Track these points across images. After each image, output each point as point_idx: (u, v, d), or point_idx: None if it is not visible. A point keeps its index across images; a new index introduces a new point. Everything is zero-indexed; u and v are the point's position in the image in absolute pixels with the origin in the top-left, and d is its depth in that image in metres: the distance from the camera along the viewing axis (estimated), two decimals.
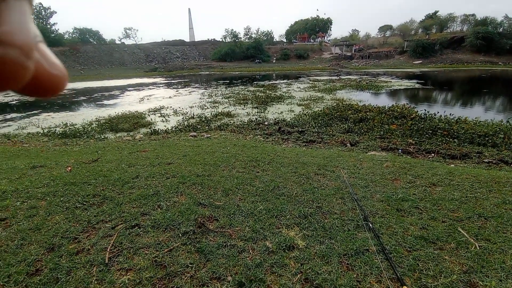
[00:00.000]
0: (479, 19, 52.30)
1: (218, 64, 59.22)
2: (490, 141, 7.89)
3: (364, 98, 16.25)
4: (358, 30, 78.58)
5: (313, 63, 57.68)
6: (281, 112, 12.36)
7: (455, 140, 8.12)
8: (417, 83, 24.78)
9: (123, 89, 25.70)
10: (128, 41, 79.47)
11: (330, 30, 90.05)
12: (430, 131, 8.76)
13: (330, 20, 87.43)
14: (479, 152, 6.98)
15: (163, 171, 3.55)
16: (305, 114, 11.66)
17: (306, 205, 2.61)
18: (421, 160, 5.30)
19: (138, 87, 27.01)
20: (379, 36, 71.49)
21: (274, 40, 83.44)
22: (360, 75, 33.70)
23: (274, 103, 14.63)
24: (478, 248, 1.91)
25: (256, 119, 11.07)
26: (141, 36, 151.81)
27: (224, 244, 1.95)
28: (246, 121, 10.65)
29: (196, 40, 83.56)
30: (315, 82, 24.80)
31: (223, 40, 74.91)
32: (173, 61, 64.50)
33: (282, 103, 14.49)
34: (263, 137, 8.69)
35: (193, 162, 4.04)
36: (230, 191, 2.91)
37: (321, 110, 12.07)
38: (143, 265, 1.77)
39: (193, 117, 11.77)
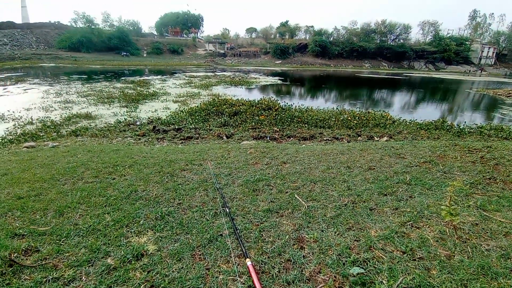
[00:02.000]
0: (316, 30, 67.09)
1: (69, 54, 47.68)
2: (327, 124, 10.25)
3: (238, 93, 17.53)
4: (228, 29, 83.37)
5: (188, 59, 56.84)
6: (156, 110, 11.46)
7: (306, 125, 10.08)
8: (279, 79, 29.18)
9: None
10: None
11: (202, 26, 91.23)
12: (289, 119, 10.47)
13: (202, 16, 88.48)
14: (321, 133, 8.97)
15: None
16: (182, 111, 11.31)
17: (166, 204, 2.44)
18: (281, 144, 6.16)
19: None
20: (247, 37, 78.97)
21: (143, 32, 75.96)
22: (234, 71, 36.20)
23: (147, 100, 13.37)
24: (306, 207, 2.36)
25: (125, 119, 9.73)
26: None
27: (45, 279, 1.49)
28: (112, 123, 9.17)
29: (31, 22, 63.56)
30: (192, 78, 24.55)
31: (73, 24, 60.86)
32: None
33: (157, 101, 13.46)
34: (135, 139, 7.77)
35: (15, 182, 2.99)
36: (68, 209, 2.32)
37: (197, 106, 12.04)
38: None
39: (31, 122, 8.98)
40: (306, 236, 1.95)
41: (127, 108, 11.64)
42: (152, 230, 2.01)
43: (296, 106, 12.41)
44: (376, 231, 2.01)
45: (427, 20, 66.44)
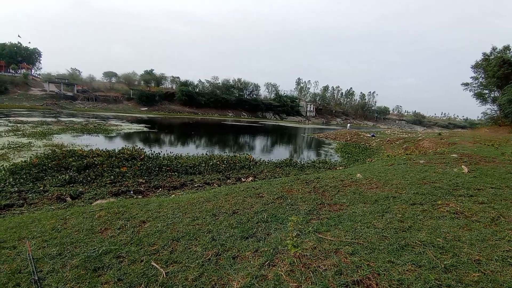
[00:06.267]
0: (182, 80, 70.34)
1: None
2: (197, 170, 10.24)
3: (93, 142, 14.84)
4: (79, 70, 71.69)
5: (16, 100, 43.80)
6: None
7: (176, 173, 9.63)
8: (145, 126, 27.46)
9: None
10: None
11: (40, 63, 74.88)
12: (157, 169, 9.70)
13: (39, 51, 72.81)
14: (191, 180, 8.76)
15: None
16: None
17: None
18: (144, 199, 5.43)
19: None
20: (105, 81, 70.99)
21: None
22: (87, 117, 30.99)
23: None
24: (165, 275, 2.03)
25: None
26: None
27: None
28: None
29: None
30: (19, 125, 18.75)
31: None
32: None
33: None
34: None
35: None
36: None
37: (26, 161, 9.15)
38: None
39: None
40: None
41: None
42: None
43: (164, 154, 11.81)
44: (238, 281, 1.96)
45: (269, 82, 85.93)
